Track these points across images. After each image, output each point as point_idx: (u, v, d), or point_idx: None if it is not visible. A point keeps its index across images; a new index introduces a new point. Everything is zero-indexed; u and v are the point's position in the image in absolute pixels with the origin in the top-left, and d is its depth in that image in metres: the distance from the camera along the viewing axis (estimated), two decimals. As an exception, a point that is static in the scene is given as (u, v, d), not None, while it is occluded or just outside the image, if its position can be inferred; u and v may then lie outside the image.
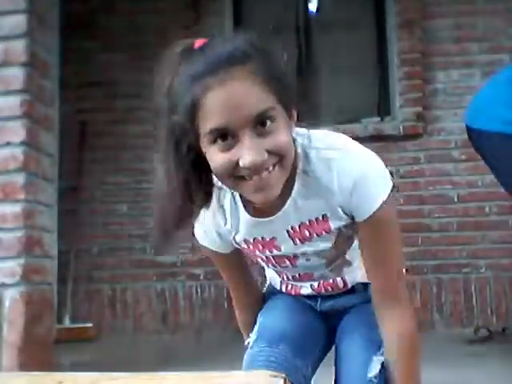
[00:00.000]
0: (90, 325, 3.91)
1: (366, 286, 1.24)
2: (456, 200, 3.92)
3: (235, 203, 1.12)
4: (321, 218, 1.09)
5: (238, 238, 1.16)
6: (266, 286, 1.41)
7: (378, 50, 4.27)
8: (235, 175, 0.96)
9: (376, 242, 1.09)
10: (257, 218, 1.11)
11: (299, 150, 1.06)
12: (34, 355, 2.21)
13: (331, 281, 1.26)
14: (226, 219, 1.14)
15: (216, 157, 0.95)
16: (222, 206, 1.13)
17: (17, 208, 2.21)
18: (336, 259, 1.20)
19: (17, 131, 2.24)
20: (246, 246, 1.18)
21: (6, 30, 2.28)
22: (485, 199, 3.87)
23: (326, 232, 1.11)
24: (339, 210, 1.07)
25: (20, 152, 2.23)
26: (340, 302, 1.29)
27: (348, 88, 4.26)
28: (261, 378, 0.51)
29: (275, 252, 1.17)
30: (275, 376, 0.50)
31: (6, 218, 2.22)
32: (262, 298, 1.36)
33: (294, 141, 1.03)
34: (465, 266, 3.86)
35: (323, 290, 1.27)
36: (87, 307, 4.08)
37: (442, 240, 3.90)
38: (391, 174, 1.29)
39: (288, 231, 1.12)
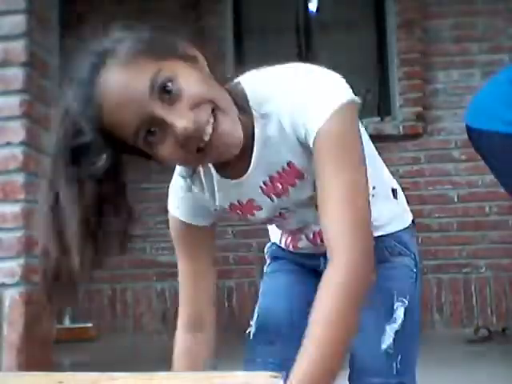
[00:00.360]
0: (89, 325, 3.91)
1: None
2: (456, 200, 3.92)
3: (208, 168, 1.07)
4: (287, 166, 1.01)
5: (216, 205, 1.10)
6: (267, 246, 1.35)
7: (378, 50, 4.27)
8: (192, 153, 0.91)
9: (325, 170, 0.92)
10: (230, 180, 1.05)
11: (246, 92, 0.98)
12: (33, 355, 2.21)
13: None
14: (202, 186, 1.09)
15: (162, 152, 0.91)
16: (196, 173, 1.08)
17: (17, 208, 2.21)
18: None
19: (17, 131, 2.24)
20: (224, 215, 1.12)
21: (6, 29, 2.28)
22: (485, 199, 3.87)
23: (298, 179, 1.02)
24: (297, 146, 0.97)
25: (20, 152, 2.23)
26: None
27: (348, 88, 4.26)
28: (261, 378, 0.51)
29: (258, 214, 1.10)
30: (275, 376, 0.50)
31: (6, 218, 2.22)
32: (214, 315, 1.17)
33: (227, 81, 0.98)
34: (465, 266, 3.86)
35: (319, 242, 1.15)
36: (87, 307, 4.07)
37: (441, 240, 3.90)
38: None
39: (261, 188, 1.05)
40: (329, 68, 1.02)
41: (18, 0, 2.28)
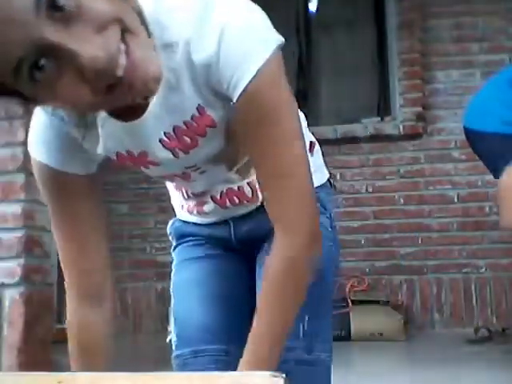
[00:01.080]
0: (89, 325, 3.91)
1: None
2: (456, 200, 3.92)
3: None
4: (197, 113, 0.82)
5: (98, 153, 0.88)
6: (170, 224, 1.16)
7: (378, 49, 4.27)
8: (99, 94, 0.70)
9: (257, 133, 0.79)
10: (120, 122, 0.83)
11: (145, 14, 0.77)
12: (33, 355, 2.21)
13: (236, 188, 1.01)
14: (80, 125, 0.86)
15: (55, 94, 0.69)
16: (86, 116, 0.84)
17: (17, 208, 2.21)
18: (239, 156, 0.96)
19: (17, 131, 2.24)
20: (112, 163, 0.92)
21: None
22: (485, 199, 3.87)
23: (210, 127, 0.84)
24: (209, 94, 0.80)
25: (20, 152, 2.23)
26: (255, 224, 1.03)
27: (348, 88, 4.26)
28: (261, 378, 0.52)
29: (155, 170, 0.93)
30: (275, 376, 0.51)
31: (6, 218, 2.22)
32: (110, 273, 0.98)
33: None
34: (465, 266, 3.86)
35: (228, 203, 1.02)
36: (87, 307, 4.07)
37: (441, 240, 3.90)
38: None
39: (162, 141, 0.86)
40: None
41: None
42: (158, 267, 4.08)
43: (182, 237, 1.14)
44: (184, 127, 0.84)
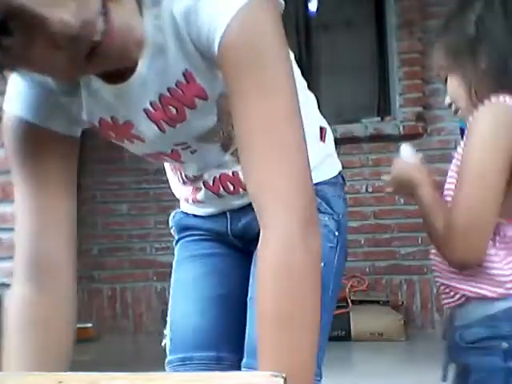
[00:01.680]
0: (89, 325, 3.91)
1: None
2: (456, 200, 3.92)
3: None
4: (183, 79, 0.75)
5: (81, 118, 0.82)
6: (171, 216, 1.10)
7: (378, 49, 4.27)
8: (76, 61, 0.65)
9: (240, 97, 0.69)
10: (105, 83, 0.78)
11: None
12: (33, 355, 2.21)
13: (230, 173, 0.93)
14: (62, 89, 0.79)
15: (27, 61, 0.65)
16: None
17: (17, 208, 2.21)
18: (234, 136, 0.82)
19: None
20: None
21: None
22: (485, 199, 3.86)
23: (200, 98, 0.77)
24: (196, 56, 0.73)
25: None
26: (253, 219, 0.82)
27: (348, 88, 4.26)
28: (261, 378, 0.51)
29: (139, 147, 0.86)
30: (276, 376, 0.50)
31: (6, 218, 2.21)
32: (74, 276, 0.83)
33: None
34: (465, 266, 3.86)
35: (222, 190, 0.95)
36: (87, 307, 4.07)
37: (441, 240, 3.89)
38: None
39: (147, 111, 0.79)
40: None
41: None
42: (157, 267, 4.08)
43: (182, 230, 1.08)
44: (168, 94, 0.77)
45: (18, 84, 0.81)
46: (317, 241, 0.69)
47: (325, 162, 0.97)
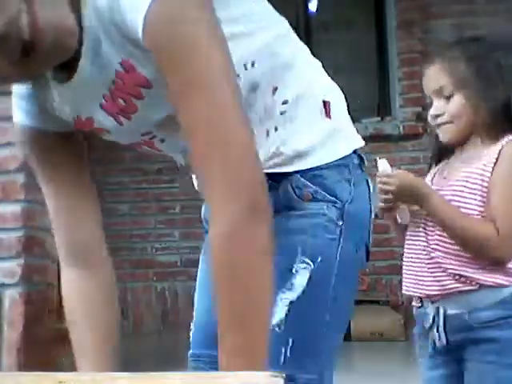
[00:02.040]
0: (89, 325, 3.91)
1: None
2: (456, 200, 3.92)
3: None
4: (121, 69, 0.73)
5: (56, 113, 0.83)
6: (204, 205, 1.05)
7: (378, 49, 4.27)
8: (9, 63, 0.65)
9: (168, 80, 0.67)
10: (62, 83, 0.77)
11: None
12: (34, 355, 2.21)
13: None
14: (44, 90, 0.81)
15: None
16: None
17: (17, 208, 2.21)
18: None
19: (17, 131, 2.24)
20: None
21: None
22: (485, 199, 3.86)
23: (144, 87, 0.74)
24: (128, 43, 0.71)
25: (20, 152, 2.23)
26: None
27: (348, 88, 4.26)
28: (261, 377, 0.52)
29: (114, 138, 0.86)
30: (275, 376, 0.50)
31: (6, 218, 2.22)
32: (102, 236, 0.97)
33: None
34: (465, 266, 3.86)
35: None
36: (87, 307, 4.07)
37: (442, 240, 3.89)
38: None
39: (102, 105, 0.78)
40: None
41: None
42: (158, 267, 4.08)
43: (206, 222, 1.03)
44: (113, 86, 0.76)
45: (15, 95, 0.86)
46: (263, 227, 0.66)
47: (327, 141, 0.84)
